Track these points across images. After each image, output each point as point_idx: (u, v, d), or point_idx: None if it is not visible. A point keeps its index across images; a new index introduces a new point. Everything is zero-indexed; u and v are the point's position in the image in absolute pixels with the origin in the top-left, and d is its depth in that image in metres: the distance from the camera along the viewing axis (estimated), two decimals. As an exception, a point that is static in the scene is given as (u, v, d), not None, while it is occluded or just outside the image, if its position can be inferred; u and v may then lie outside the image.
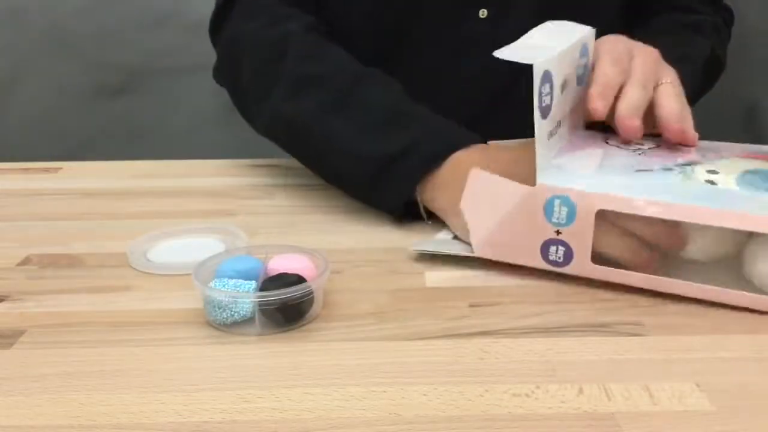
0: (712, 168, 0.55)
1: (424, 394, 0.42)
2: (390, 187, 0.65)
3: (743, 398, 0.42)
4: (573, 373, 0.44)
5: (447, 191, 0.62)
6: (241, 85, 0.78)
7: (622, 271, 0.53)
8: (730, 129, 1.57)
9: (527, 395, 0.42)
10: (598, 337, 0.48)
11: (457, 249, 0.58)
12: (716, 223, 0.50)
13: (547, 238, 0.53)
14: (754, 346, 0.47)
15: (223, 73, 0.82)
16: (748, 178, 0.53)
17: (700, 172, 0.54)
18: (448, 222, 0.63)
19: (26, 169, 0.84)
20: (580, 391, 0.42)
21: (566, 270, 0.54)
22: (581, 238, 0.52)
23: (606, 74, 0.58)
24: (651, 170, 0.55)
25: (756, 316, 0.50)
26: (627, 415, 0.40)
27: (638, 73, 0.59)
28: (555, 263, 0.54)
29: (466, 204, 0.56)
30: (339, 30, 0.78)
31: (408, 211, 0.66)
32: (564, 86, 0.56)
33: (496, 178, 0.55)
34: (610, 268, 0.53)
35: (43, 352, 0.47)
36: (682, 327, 0.49)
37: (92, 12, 1.49)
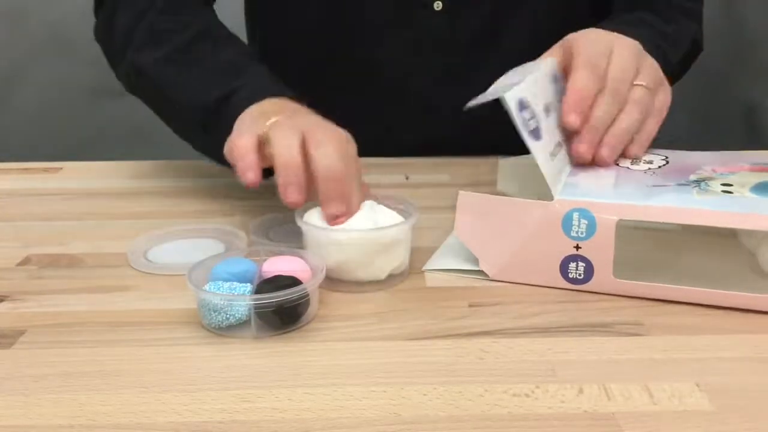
0: (725, 182, 0.55)
1: (424, 394, 0.42)
2: (214, 135, 0.64)
3: (743, 398, 0.42)
4: (573, 373, 0.44)
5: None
6: (113, 39, 0.79)
7: (645, 283, 0.52)
8: (730, 129, 1.57)
9: (527, 395, 0.42)
10: (598, 337, 0.48)
11: (471, 264, 0.56)
12: (738, 226, 0.50)
13: (566, 254, 0.52)
14: (754, 346, 0.47)
15: (100, 30, 0.83)
16: (762, 187, 0.54)
17: (715, 186, 0.54)
18: None
19: (26, 169, 0.84)
20: (580, 391, 0.42)
21: (587, 287, 0.53)
22: (602, 251, 0.51)
23: (580, 83, 0.57)
24: (666, 186, 0.55)
25: (756, 316, 0.50)
26: (627, 415, 0.40)
27: (612, 79, 0.58)
28: (575, 281, 0.53)
29: (461, 230, 0.55)
30: (292, 24, 0.78)
31: None
32: (548, 110, 0.56)
33: (498, 198, 0.54)
34: (633, 282, 0.52)
35: (43, 352, 0.47)
36: (682, 327, 0.49)
37: (92, 12, 1.49)
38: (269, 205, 0.71)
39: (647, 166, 0.59)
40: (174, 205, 0.73)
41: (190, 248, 0.61)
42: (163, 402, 0.42)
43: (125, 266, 0.59)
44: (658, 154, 0.61)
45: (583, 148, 0.57)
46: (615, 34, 0.61)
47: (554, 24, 0.66)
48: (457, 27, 0.79)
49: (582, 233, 0.52)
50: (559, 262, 0.53)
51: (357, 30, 0.78)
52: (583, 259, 0.52)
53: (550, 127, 0.55)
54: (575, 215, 0.52)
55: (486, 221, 0.54)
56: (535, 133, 0.53)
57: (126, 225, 0.68)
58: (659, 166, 0.59)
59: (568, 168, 0.57)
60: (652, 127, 0.61)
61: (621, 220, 0.51)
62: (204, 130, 0.68)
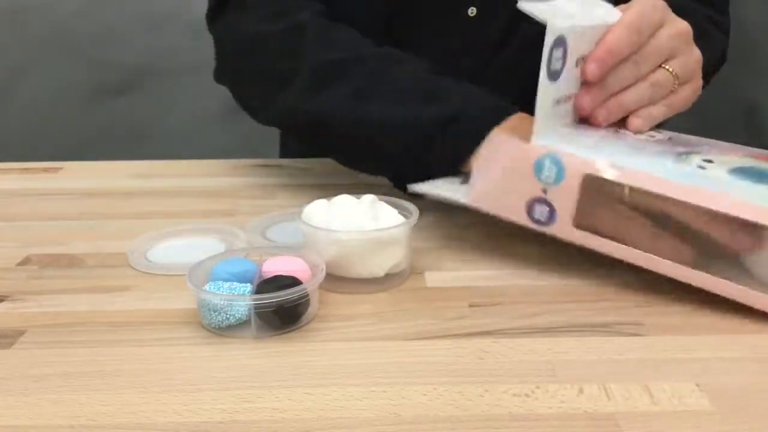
0: (708, 158, 0.55)
1: (424, 394, 0.42)
2: (443, 151, 0.62)
3: (743, 398, 0.42)
4: (573, 373, 0.44)
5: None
6: (246, 80, 0.76)
7: (601, 238, 0.53)
8: (730, 129, 1.57)
9: (527, 395, 0.42)
10: (598, 337, 0.48)
11: (451, 193, 0.58)
12: (684, 199, 0.49)
13: (533, 195, 0.54)
14: (754, 346, 0.47)
15: (224, 72, 0.81)
16: (740, 170, 0.53)
17: (695, 159, 0.54)
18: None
19: (26, 169, 0.84)
20: (580, 391, 0.42)
21: (548, 230, 0.54)
22: (565, 199, 0.53)
23: (614, 40, 0.55)
24: (646, 150, 0.55)
25: (756, 316, 0.50)
26: (627, 415, 0.40)
27: (647, 49, 0.57)
28: (538, 222, 0.55)
29: (477, 163, 0.57)
30: None
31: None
32: (579, 62, 0.56)
33: (504, 137, 0.55)
34: (589, 234, 0.53)
35: (43, 352, 0.47)
36: (682, 327, 0.49)
37: (92, 12, 1.49)
38: (269, 205, 0.71)
39: (646, 137, 0.59)
40: (174, 205, 0.73)
41: (190, 248, 0.61)
42: (163, 402, 0.42)
43: (125, 266, 0.59)
44: (664, 134, 0.61)
45: (585, 100, 0.57)
46: (674, 15, 0.60)
47: None
48: (486, 31, 0.79)
49: (550, 179, 0.53)
50: (526, 202, 0.54)
51: (395, 40, 0.78)
52: (548, 203, 0.54)
53: (570, 78, 0.55)
54: (547, 161, 0.53)
55: (489, 156, 0.56)
56: (554, 75, 0.53)
57: (126, 225, 0.68)
58: (657, 140, 0.59)
59: (567, 120, 0.58)
60: (657, 112, 0.60)
61: (587, 174, 0.52)
62: (421, 145, 0.63)
